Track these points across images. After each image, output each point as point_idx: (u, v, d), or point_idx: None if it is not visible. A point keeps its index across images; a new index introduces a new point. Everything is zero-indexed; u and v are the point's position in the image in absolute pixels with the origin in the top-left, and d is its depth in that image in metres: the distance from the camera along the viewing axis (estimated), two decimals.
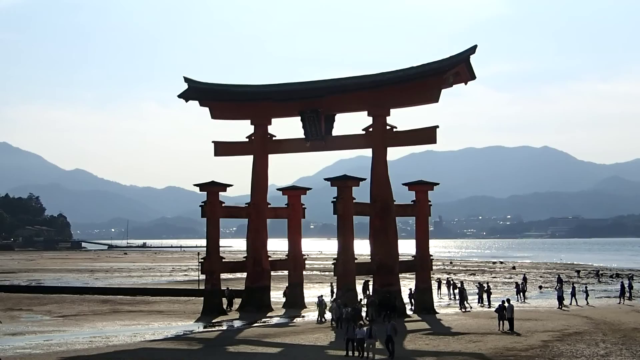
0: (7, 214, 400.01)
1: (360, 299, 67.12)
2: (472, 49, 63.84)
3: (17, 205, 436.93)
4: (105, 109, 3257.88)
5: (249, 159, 75.21)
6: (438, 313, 68.09)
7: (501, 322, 53.91)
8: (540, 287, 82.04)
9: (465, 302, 74.07)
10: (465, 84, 66.81)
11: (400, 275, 68.98)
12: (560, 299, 73.40)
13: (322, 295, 66.48)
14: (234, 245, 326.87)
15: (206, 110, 75.29)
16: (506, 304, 54.82)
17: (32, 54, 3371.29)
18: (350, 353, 42.72)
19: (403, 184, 75.14)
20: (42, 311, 71.12)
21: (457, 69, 64.72)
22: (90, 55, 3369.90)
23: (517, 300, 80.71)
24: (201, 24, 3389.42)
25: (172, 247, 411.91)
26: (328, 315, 61.96)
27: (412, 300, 71.54)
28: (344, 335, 43.77)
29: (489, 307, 66.67)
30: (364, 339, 41.84)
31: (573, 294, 76.24)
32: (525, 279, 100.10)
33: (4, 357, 43.59)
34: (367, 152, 70.69)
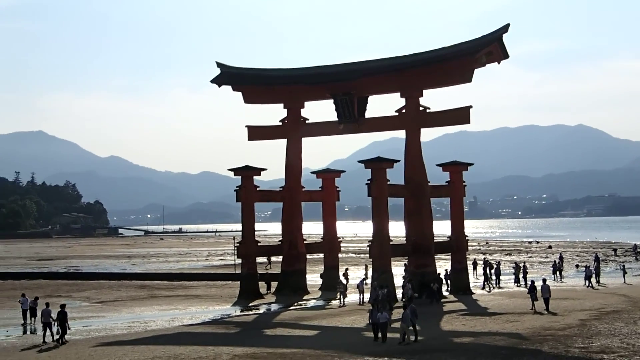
0: (44, 202, 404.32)
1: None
2: (505, 28, 63.34)
3: (54, 192, 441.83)
4: (134, 96, 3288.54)
5: (282, 143, 75.36)
6: (474, 293, 67.89)
7: (534, 302, 53.60)
8: (577, 266, 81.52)
9: (488, 282, 74.21)
10: (498, 63, 66.18)
11: (435, 256, 68.92)
12: (589, 277, 72.74)
13: (365, 278, 66.74)
14: (269, 229, 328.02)
15: (238, 95, 75.42)
16: (541, 284, 54.51)
17: (58, 43, 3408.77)
18: (378, 337, 42.12)
19: (437, 165, 74.90)
20: (80, 297, 71.90)
21: (490, 48, 64.17)
22: (114, 43, 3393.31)
23: (554, 280, 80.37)
24: (224, 9, 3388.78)
25: (207, 232, 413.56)
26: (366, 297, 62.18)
27: (449, 281, 71.41)
28: (369, 319, 43.47)
29: (526, 286, 66.23)
30: (386, 322, 41.47)
31: (589, 276, 74.46)
32: (561, 258, 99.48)
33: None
34: (401, 134, 70.52)
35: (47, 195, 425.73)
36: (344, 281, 69.21)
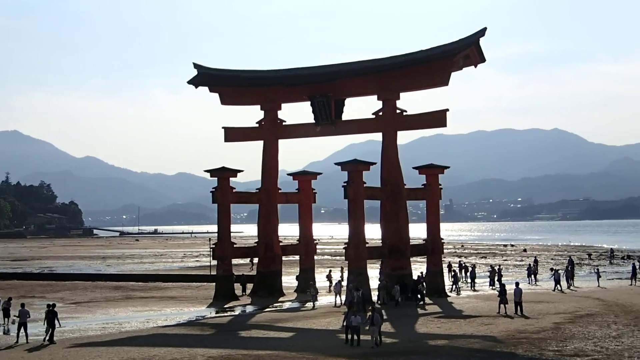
0: (18, 202, 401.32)
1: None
2: (482, 32, 63.64)
3: (29, 192, 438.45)
4: (114, 96, 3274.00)
5: (259, 145, 75.27)
6: (450, 296, 68.09)
7: (502, 305, 53.74)
8: (552, 269, 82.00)
9: (456, 285, 74.67)
10: (475, 66, 66.49)
11: (411, 259, 69.06)
12: (558, 281, 72.91)
13: (341, 280, 66.91)
14: (245, 231, 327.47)
15: (216, 96, 75.31)
16: (514, 287, 54.78)
17: (37, 41, 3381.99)
18: (350, 340, 41.68)
19: (413, 168, 75.05)
20: (54, 298, 71.27)
21: (467, 51, 64.46)
22: (96, 42, 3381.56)
23: (529, 283, 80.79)
24: (206, 10, 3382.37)
25: (183, 233, 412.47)
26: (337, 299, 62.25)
27: (424, 284, 71.55)
28: (342, 322, 42.98)
29: (499, 289, 66.47)
30: (359, 326, 41.15)
31: (557, 280, 74.70)
32: (536, 261, 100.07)
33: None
34: (377, 137, 70.63)
35: (21, 195, 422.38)
36: (329, 283, 69.08)
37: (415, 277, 67.63)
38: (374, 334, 40.74)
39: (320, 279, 79.25)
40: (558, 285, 72.66)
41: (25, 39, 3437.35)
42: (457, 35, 65.74)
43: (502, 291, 54.63)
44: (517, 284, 56.18)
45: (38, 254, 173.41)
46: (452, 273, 78.88)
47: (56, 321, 45.97)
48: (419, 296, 62.86)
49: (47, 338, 45.55)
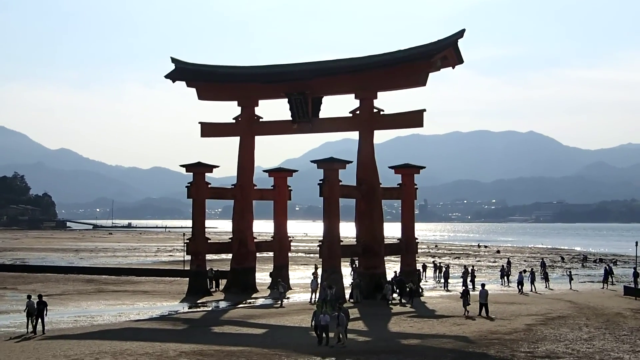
0: None
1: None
2: (460, 33, 63.90)
3: (2, 184, 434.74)
4: (89, 88, 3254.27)
5: (235, 141, 75.16)
6: (423, 296, 68.31)
7: (466, 307, 53.83)
8: (524, 271, 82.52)
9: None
10: (453, 67, 66.76)
11: (385, 258, 69.24)
12: (520, 283, 73.15)
13: (315, 277, 67.04)
14: (219, 227, 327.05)
15: (192, 91, 75.14)
16: (480, 288, 55.06)
17: (10, 33, 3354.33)
18: (321, 340, 41.11)
19: (389, 167, 75.30)
20: (26, 290, 70.71)
21: (445, 52, 64.67)
22: (71, 34, 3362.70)
23: (502, 284, 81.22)
24: (183, 6, 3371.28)
25: (157, 227, 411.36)
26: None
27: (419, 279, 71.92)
28: (311, 321, 42.52)
29: (473, 290, 66.97)
30: (327, 325, 40.73)
31: (532, 280, 75.24)
32: (509, 263, 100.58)
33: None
34: (353, 135, 70.74)
35: None
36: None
37: (389, 276, 67.91)
38: (339, 334, 40.56)
39: (295, 276, 79.37)
40: (520, 286, 72.84)
41: (1, 30, 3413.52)
42: (433, 38, 65.94)
43: (465, 292, 54.86)
44: (482, 285, 56.46)
45: (10, 246, 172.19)
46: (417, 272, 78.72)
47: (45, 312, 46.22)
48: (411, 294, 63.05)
49: (37, 329, 45.54)
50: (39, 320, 45.97)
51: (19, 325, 48.88)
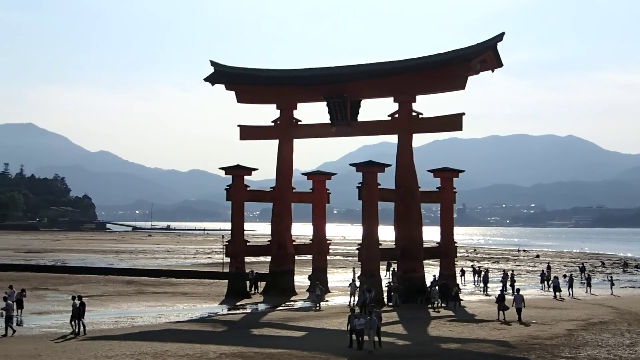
0: (32, 195, 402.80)
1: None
2: (500, 37, 63.56)
3: (43, 185, 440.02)
4: (128, 91, 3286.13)
5: (273, 144, 75.38)
6: (462, 300, 67.97)
7: (501, 312, 53.45)
8: (565, 275, 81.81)
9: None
10: (492, 71, 66.35)
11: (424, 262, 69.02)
12: (556, 288, 72.56)
13: (354, 281, 66.99)
14: (257, 229, 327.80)
15: (230, 94, 75.43)
16: (515, 294, 54.71)
17: (50, 36, 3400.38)
18: (354, 343, 40.76)
19: (428, 171, 75.10)
20: (67, 291, 71.43)
21: (484, 56, 64.32)
22: (109, 36, 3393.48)
23: (542, 289, 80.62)
24: (216, 9, 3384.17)
25: (195, 230, 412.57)
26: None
27: (436, 288, 71.49)
28: (347, 325, 42.05)
29: (512, 294, 66.52)
30: (363, 329, 40.15)
31: (570, 285, 74.65)
32: (549, 267, 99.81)
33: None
34: (391, 139, 70.71)
35: (35, 187, 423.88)
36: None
37: (428, 281, 67.72)
38: (371, 338, 40.22)
39: (333, 279, 79.40)
40: (556, 292, 72.27)
41: (36, 33, 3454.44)
42: (465, 41, 65.85)
43: (501, 298, 54.49)
44: (517, 290, 56.09)
45: (51, 247, 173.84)
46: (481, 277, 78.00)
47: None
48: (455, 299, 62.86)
49: (81, 330, 45.98)
50: (80, 321, 46.40)
51: (61, 325, 49.32)
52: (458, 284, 67.38)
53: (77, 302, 46.63)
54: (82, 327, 46.27)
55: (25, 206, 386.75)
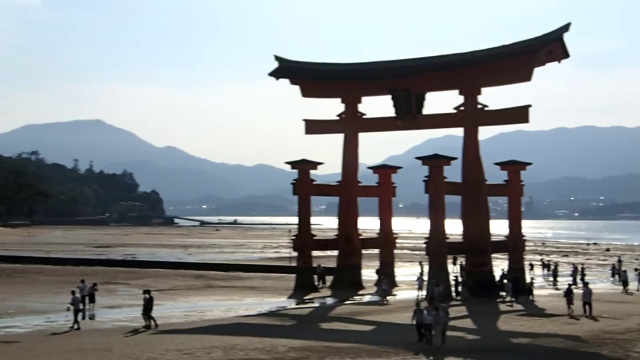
0: (102, 190, 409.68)
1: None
2: (566, 27, 62.79)
3: (111, 181, 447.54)
4: (192, 87, 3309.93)
5: (337, 137, 75.43)
6: (532, 294, 67.29)
7: (570, 305, 52.72)
8: (636, 269, 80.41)
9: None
10: (559, 62, 65.58)
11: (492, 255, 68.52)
12: (624, 282, 71.32)
13: (421, 275, 66.83)
14: (323, 223, 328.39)
15: (294, 88, 75.57)
16: (584, 288, 53.96)
17: (116, 34, 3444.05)
18: (422, 338, 40.50)
19: (495, 164, 74.48)
20: (137, 285, 72.46)
21: (551, 47, 63.63)
22: (173, 34, 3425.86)
23: (614, 283, 79.33)
24: (277, 5, 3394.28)
25: (262, 224, 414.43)
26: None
27: (505, 281, 70.93)
28: (412, 319, 41.54)
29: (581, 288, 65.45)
30: (430, 324, 39.85)
31: (624, 280, 73.14)
32: (620, 261, 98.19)
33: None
34: (456, 131, 70.25)
35: (104, 183, 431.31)
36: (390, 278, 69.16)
37: (497, 275, 67.23)
38: (438, 333, 39.93)
39: (400, 273, 79.27)
40: (624, 286, 71.10)
41: (102, 31, 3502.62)
42: (531, 30, 64.97)
43: (569, 291, 53.80)
44: (586, 284, 55.40)
45: (121, 241, 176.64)
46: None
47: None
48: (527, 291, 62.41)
49: (152, 324, 46.65)
50: (149, 314, 47.05)
51: (132, 319, 49.99)
52: (532, 278, 66.61)
53: (147, 296, 47.35)
54: (152, 321, 46.92)
55: (95, 201, 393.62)
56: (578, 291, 57.08)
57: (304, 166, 73.94)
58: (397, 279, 76.64)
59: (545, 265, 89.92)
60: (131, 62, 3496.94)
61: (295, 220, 76.72)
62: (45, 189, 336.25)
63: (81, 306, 49.32)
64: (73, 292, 49.26)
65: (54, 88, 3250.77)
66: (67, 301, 48.77)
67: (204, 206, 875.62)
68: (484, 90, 67.71)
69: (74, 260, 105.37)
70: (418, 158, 66.90)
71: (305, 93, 76.17)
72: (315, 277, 74.07)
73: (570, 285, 56.91)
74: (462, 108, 67.66)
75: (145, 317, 47.00)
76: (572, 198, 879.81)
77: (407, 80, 68.60)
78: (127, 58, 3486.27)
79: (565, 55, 64.73)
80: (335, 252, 77.00)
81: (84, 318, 50.69)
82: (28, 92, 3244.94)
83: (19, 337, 42.90)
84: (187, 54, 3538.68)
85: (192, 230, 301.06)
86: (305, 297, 66.57)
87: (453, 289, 64.16)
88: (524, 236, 74.19)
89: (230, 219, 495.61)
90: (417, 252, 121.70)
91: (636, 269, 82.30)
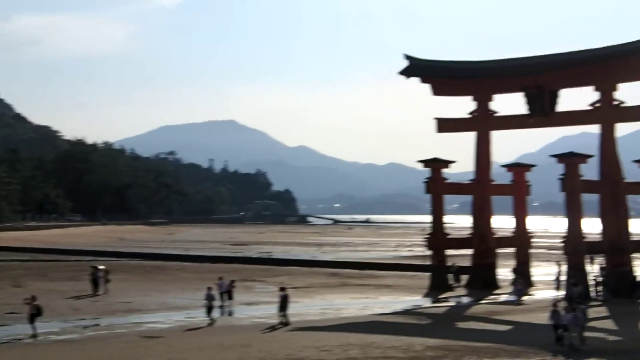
0: (236, 189, 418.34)
1: None
2: None
3: (246, 180, 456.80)
4: (321, 88, 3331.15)
5: (468, 136, 75.02)
6: None
7: None
8: None
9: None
10: None
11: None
12: None
13: (559, 275, 65.90)
14: (457, 222, 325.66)
15: (424, 86, 75.34)
16: None
17: (245, 36, 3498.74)
18: (560, 339, 39.68)
19: (634, 161, 72.66)
20: (274, 282, 73.57)
21: None
22: (302, 33, 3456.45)
23: None
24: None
25: (395, 222, 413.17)
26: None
27: None
28: (549, 320, 40.91)
29: None
30: (568, 325, 38.98)
31: None
32: None
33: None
34: (591, 129, 69.00)
35: (239, 182, 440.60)
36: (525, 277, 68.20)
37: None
38: (576, 334, 39.15)
39: (537, 273, 78.29)
40: None
41: (233, 33, 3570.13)
42: None
43: None
44: None
45: (256, 239, 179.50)
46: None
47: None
48: None
49: (284, 321, 47.60)
50: (285, 312, 48.03)
51: (269, 316, 50.89)
52: None
53: (283, 293, 48.42)
54: (285, 318, 47.85)
55: (230, 200, 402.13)
56: None
57: (436, 165, 73.94)
58: (533, 278, 75.65)
59: None
60: (263, 63, 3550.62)
61: (428, 218, 76.69)
62: (182, 188, 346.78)
63: (217, 303, 50.83)
64: (209, 289, 50.91)
65: (189, 90, 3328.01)
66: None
67: (336, 205, 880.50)
68: (620, 86, 66.24)
69: (212, 257, 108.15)
70: (553, 156, 65.85)
71: (437, 91, 76.01)
72: (450, 275, 73.97)
73: None
74: (597, 105, 66.34)
75: (281, 314, 48.10)
76: None
77: (541, 78, 67.63)
78: (259, 59, 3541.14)
79: None
80: (469, 251, 76.65)
81: (222, 314, 52.47)
82: (164, 94, 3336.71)
83: (161, 333, 44.71)
84: (318, 54, 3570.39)
85: (325, 228, 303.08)
86: (441, 296, 66.56)
87: (592, 289, 62.98)
88: None
89: (363, 217, 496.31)
90: (553, 252, 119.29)
91: None
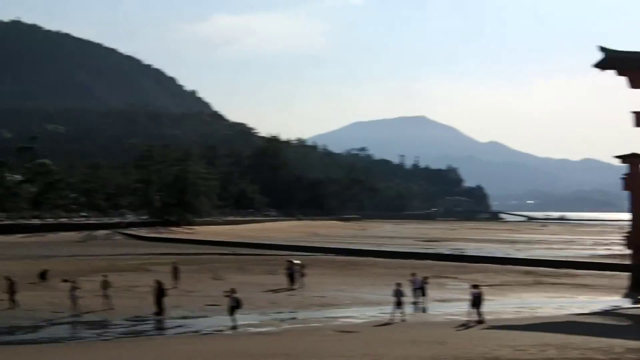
0: (427, 185, 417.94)
1: None
2: None
3: (437, 176, 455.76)
4: (511, 82, 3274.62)
5: None
6: None
7: None
8: None
9: None
10: None
11: None
12: None
13: None
14: None
15: (620, 79, 72.35)
16: None
17: (431, 31, 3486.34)
18: None
19: None
20: (467, 279, 72.62)
21: None
22: (495, 28, 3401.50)
23: None
24: None
25: (591, 220, 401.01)
26: None
27: None
28: None
29: None
30: None
31: None
32: None
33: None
34: None
35: (429, 178, 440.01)
36: None
37: None
38: None
39: None
40: None
41: (424, 29, 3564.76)
42: None
43: None
44: None
45: (448, 236, 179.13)
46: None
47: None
48: None
49: (478, 319, 47.28)
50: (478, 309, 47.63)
51: (462, 313, 50.55)
52: None
53: (477, 291, 48.00)
54: (479, 316, 47.42)
55: (421, 196, 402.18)
56: None
57: (635, 160, 70.92)
58: None
59: None
60: (453, 58, 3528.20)
61: (626, 216, 73.84)
62: (373, 184, 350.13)
63: (407, 299, 50.90)
64: (398, 284, 51.12)
65: (379, 86, 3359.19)
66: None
67: (529, 201, 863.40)
68: None
69: (404, 253, 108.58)
70: (617, 157, 62.42)
71: (635, 84, 72.96)
72: None
73: None
74: None
75: (475, 312, 47.71)
76: None
77: None
78: (448, 54, 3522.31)
79: None
80: None
81: (416, 311, 52.62)
82: (355, 90, 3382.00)
83: (355, 327, 45.32)
84: (508, 49, 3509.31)
85: (518, 225, 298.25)
86: None
87: None
88: None
89: (557, 214, 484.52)
90: None
91: None
